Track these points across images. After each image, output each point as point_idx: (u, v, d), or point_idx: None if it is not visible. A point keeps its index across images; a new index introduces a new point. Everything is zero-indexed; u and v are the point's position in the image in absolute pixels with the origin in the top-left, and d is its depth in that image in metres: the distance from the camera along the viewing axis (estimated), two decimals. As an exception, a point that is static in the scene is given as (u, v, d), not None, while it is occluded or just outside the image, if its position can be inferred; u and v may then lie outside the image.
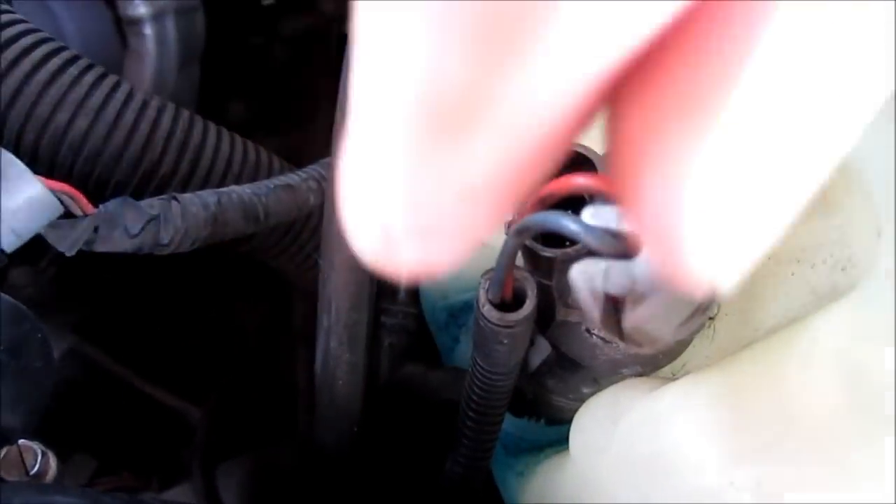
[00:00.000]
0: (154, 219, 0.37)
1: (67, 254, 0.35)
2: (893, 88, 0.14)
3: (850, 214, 0.31)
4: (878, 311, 0.23)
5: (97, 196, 0.42)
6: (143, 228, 0.37)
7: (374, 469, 0.52)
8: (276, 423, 0.69)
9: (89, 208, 0.36)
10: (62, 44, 0.47)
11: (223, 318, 0.78)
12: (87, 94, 0.45)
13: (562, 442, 0.44)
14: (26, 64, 0.45)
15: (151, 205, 0.38)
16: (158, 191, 0.47)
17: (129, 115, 0.47)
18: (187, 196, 0.40)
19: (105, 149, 0.45)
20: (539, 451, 0.50)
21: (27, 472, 0.36)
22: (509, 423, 0.55)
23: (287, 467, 0.65)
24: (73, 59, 0.46)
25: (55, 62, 0.45)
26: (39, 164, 0.47)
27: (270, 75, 0.96)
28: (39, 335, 0.42)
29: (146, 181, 0.47)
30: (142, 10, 0.80)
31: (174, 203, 0.39)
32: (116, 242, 0.36)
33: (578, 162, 0.32)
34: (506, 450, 0.52)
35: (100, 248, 0.36)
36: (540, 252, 0.31)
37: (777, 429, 0.26)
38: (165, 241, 0.38)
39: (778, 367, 0.27)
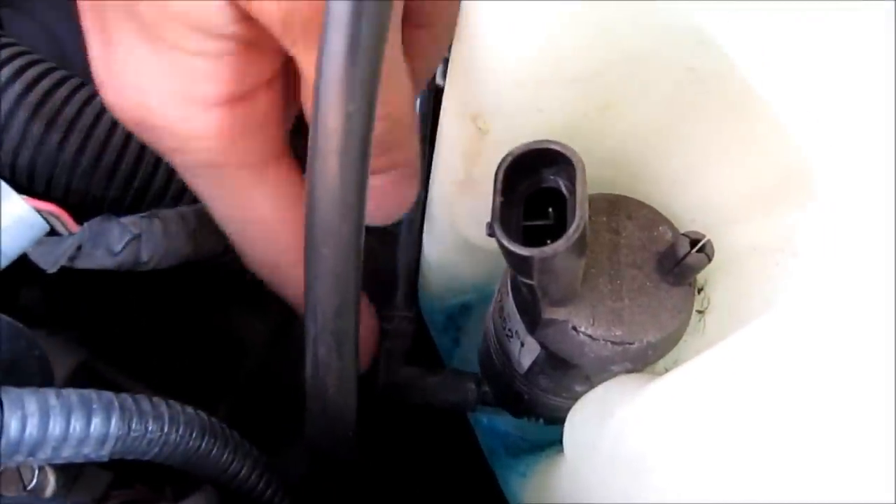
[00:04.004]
0: (136, 237, 0.38)
1: (49, 271, 0.36)
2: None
3: (821, 205, 0.31)
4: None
5: (93, 215, 0.43)
6: (125, 246, 0.37)
7: (375, 473, 0.52)
8: (285, 432, 0.69)
9: (74, 227, 0.36)
10: (53, 64, 0.48)
11: (229, 329, 0.78)
12: (79, 113, 0.46)
13: (561, 441, 0.44)
14: (18, 85, 0.46)
15: (134, 222, 0.39)
16: (153, 206, 0.48)
17: (120, 132, 0.47)
18: (167, 212, 0.41)
19: (98, 166, 0.46)
20: (540, 451, 0.50)
21: (25, 487, 0.37)
22: (510, 423, 0.55)
23: (295, 475, 0.66)
24: (64, 80, 0.47)
25: (44, 84, 0.46)
26: (37, 186, 0.48)
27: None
28: (37, 352, 0.43)
29: (140, 197, 0.48)
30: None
31: (156, 221, 0.40)
32: (98, 260, 0.37)
33: (555, 158, 0.32)
34: (507, 451, 0.52)
35: (81, 265, 0.36)
36: (518, 252, 0.31)
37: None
38: (145, 259, 0.38)
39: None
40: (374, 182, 0.38)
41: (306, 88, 0.38)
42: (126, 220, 0.39)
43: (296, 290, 0.47)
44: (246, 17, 0.35)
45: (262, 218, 0.43)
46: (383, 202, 0.43)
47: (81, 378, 0.73)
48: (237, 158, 0.40)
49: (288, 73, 0.41)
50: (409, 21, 0.38)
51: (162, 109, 0.38)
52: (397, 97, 0.38)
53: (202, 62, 0.36)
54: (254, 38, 0.37)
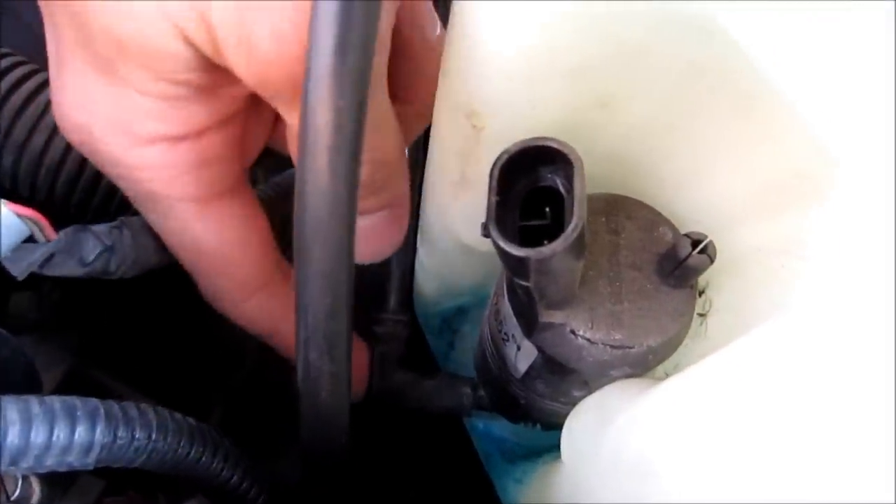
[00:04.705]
0: (108, 248, 0.38)
1: (19, 278, 0.35)
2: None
3: (836, 205, 0.30)
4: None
5: (76, 221, 0.42)
6: (96, 258, 0.37)
7: (368, 479, 0.51)
8: (279, 439, 0.69)
9: (52, 235, 0.36)
10: (37, 66, 0.47)
11: (224, 333, 0.78)
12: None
13: (558, 447, 0.43)
14: (2, 87, 0.45)
15: (105, 233, 0.38)
16: (137, 216, 0.47)
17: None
18: (135, 221, 0.41)
19: (82, 172, 0.45)
20: (537, 457, 0.49)
21: (8, 497, 0.36)
22: (506, 428, 0.54)
23: (290, 481, 0.65)
24: (47, 83, 0.46)
25: (29, 86, 0.45)
26: (20, 189, 0.47)
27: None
28: (23, 360, 0.42)
29: (124, 205, 0.47)
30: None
31: (126, 231, 0.39)
32: (68, 269, 0.36)
33: (552, 156, 0.31)
34: (503, 456, 0.51)
35: (50, 272, 0.36)
36: (514, 252, 0.30)
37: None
38: (113, 269, 0.38)
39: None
40: (363, 223, 0.39)
41: (290, 135, 0.38)
42: (97, 229, 0.39)
43: (248, 324, 0.47)
44: (206, 68, 0.35)
45: (209, 252, 0.42)
46: (372, 241, 0.43)
47: (73, 384, 0.72)
48: (181, 192, 0.40)
49: (249, 112, 0.41)
50: (392, 96, 0.38)
51: (104, 137, 0.37)
52: (385, 141, 0.38)
53: (149, 101, 0.36)
54: (208, 85, 0.36)
